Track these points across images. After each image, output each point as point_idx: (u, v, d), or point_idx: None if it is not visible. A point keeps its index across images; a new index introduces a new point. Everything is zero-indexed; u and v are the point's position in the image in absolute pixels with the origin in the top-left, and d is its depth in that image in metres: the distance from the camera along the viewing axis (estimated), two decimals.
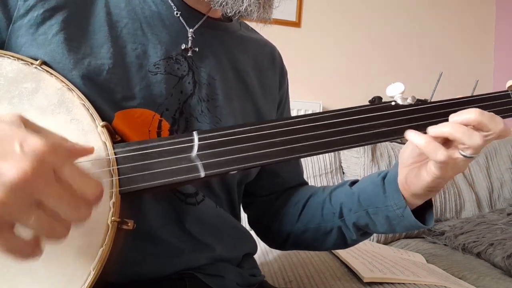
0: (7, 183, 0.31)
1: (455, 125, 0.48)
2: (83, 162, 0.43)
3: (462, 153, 0.48)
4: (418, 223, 0.56)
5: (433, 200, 0.59)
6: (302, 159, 0.84)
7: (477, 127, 0.48)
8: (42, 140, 0.33)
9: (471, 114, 0.48)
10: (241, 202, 0.73)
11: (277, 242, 0.76)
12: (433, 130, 0.49)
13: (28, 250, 0.33)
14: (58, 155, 0.34)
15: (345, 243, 0.68)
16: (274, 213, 0.74)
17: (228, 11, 0.57)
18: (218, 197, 0.62)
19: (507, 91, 0.55)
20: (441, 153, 0.47)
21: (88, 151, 0.38)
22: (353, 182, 0.66)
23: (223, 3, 0.56)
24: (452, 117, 0.49)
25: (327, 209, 0.66)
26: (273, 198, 0.75)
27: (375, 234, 1.48)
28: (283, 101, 0.76)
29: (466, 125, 0.48)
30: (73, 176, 0.35)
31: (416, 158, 0.54)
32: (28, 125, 0.35)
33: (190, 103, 0.58)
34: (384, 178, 0.60)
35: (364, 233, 0.65)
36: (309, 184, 0.82)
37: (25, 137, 0.33)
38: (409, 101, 0.52)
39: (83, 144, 0.38)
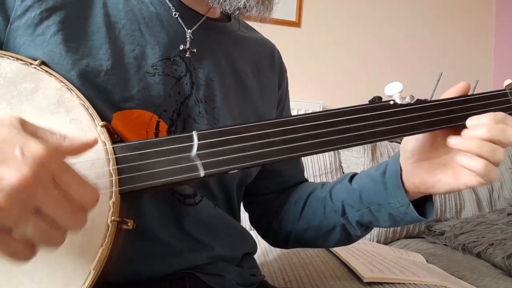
0: (7, 188, 0.31)
1: (480, 141, 0.47)
2: (83, 162, 0.43)
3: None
4: (421, 218, 0.56)
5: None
6: (302, 159, 0.84)
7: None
8: (42, 145, 0.33)
9: (482, 131, 0.47)
10: (241, 202, 0.73)
11: (279, 240, 0.76)
12: (457, 143, 0.48)
13: (24, 253, 0.33)
14: (58, 160, 0.34)
15: (349, 240, 0.68)
16: (274, 212, 0.74)
17: (227, 8, 0.57)
18: (216, 198, 0.62)
19: (505, 90, 0.55)
20: (495, 173, 0.47)
21: (89, 145, 0.38)
22: (352, 177, 0.66)
23: (221, 0, 0.56)
24: (465, 132, 0.49)
25: (329, 207, 0.66)
26: (273, 197, 0.75)
27: (375, 234, 1.49)
28: (283, 100, 0.76)
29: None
30: (71, 183, 0.35)
31: (421, 154, 0.54)
32: (27, 127, 0.35)
33: (188, 104, 0.58)
34: (384, 173, 0.59)
35: (367, 228, 0.65)
36: None
37: (25, 142, 0.33)
38: (408, 100, 0.52)
39: (84, 138, 0.38)
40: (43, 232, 0.33)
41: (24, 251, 0.33)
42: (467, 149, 0.47)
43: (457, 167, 0.51)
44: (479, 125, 0.49)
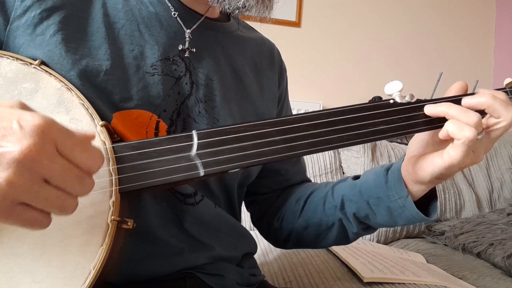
0: (12, 161, 0.31)
1: (451, 104, 0.50)
2: None
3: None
4: (420, 214, 0.55)
5: (437, 191, 0.58)
6: (303, 158, 0.84)
7: (488, 111, 0.50)
8: (39, 116, 0.33)
9: (483, 97, 0.50)
10: (242, 203, 0.73)
11: (280, 240, 0.76)
12: (429, 108, 0.51)
13: (41, 221, 0.34)
14: (58, 127, 0.34)
15: (346, 238, 0.67)
16: (275, 210, 0.74)
17: (226, 7, 0.57)
18: (216, 197, 0.62)
19: (505, 88, 0.55)
20: (468, 130, 0.47)
21: (88, 137, 0.38)
22: (357, 177, 0.66)
23: None
24: (465, 99, 0.51)
25: (329, 203, 0.66)
26: (274, 196, 0.75)
27: (375, 234, 1.48)
28: (283, 98, 0.76)
29: (477, 107, 0.50)
30: (74, 149, 0.35)
31: (424, 148, 0.55)
32: (26, 107, 0.36)
33: (188, 104, 0.58)
34: (388, 169, 0.59)
35: (366, 227, 0.64)
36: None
37: (21, 115, 0.33)
38: (408, 99, 0.52)
39: (83, 131, 0.38)
40: (55, 199, 0.34)
41: (40, 219, 0.34)
42: (438, 111, 0.50)
43: (444, 149, 0.51)
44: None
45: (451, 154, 0.49)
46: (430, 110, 0.51)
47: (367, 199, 0.60)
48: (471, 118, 0.48)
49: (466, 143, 0.47)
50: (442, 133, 0.50)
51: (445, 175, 0.52)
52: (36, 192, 0.32)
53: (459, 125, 0.48)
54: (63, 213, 0.35)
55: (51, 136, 0.33)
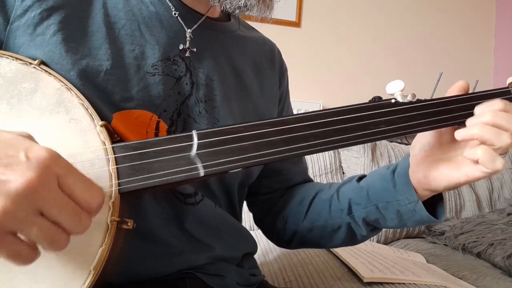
0: (13, 191, 0.31)
1: (483, 126, 0.47)
2: (83, 161, 0.43)
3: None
4: (430, 217, 0.55)
5: (443, 192, 0.57)
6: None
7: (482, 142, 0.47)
8: (46, 149, 0.33)
9: (486, 116, 0.48)
10: (242, 203, 0.73)
11: (283, 240, 0.75)
12: (461, 133, 0.48)
13: (28, 255, 0.34)
14: (62, 162, 0.34)
15: (354, 240, 0.66)
16: (278, 211, 0.74)
17: (228, 6, 0.56)
18: (217, 198, 0.62)
19: (507, 87, 0.55)
20: (499, 162, 0.46)
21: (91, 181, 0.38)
22: (361, 177, 0.65)
23: None
24: (472, 119, 0.49)
25: (335, 206, 0.65)
26: (276, 196, 0.75)
27: None
28: (283, 98, 0.76)
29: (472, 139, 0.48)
30: (76, 185, 0.35)
31: (431, 150, 0.54)
32: (34, 140, 0.36)
33: (188, 104, 0.58)
34: (394, 171, 0.58)
35: (374, 228, 0.64)
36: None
37: (29, 146, 0.33)
38: (409, 98, 0.51)
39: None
40: (47, 235, 0.33)
41: (27, 253, 0.33)
42: (470, 135, 0.47)
43: (461, 160, 0.50)
44: (483, 112, 0.48)
45: (469, 175, 0.48)
46: (462, 135, 0.48)
47: (376, 203, 0.59)
48: (504, 141, 0.46)
49: (493, 173, 0.47)
50: (472, 155, 0.47)
51: (459, 186, 0.51)
52: (30, 223, 0.32)
53: (492, 156, 0.46)
54: (52, 247, 0.34)
55: (55, 171, 0.33)
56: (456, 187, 0.51)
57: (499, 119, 0.47)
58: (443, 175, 0.51)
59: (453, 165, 0.51)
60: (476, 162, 0.47)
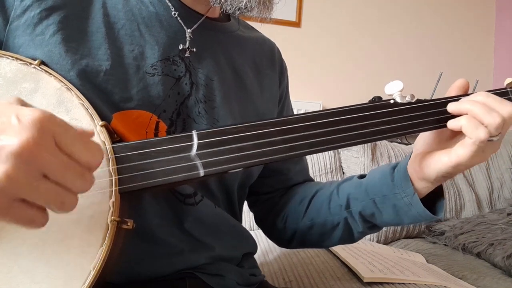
0: (11, 155, 0.30)
1: (474, 102, 0.48)
2: None
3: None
4: (426, 212, 0.55)
5: (444, 190, 0.58)
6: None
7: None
8: (37, 110, 0.32)
9: (479, 96, 0.49)
10: (243, 203, 0.73)
11: (284, 239, 0.75)
12: (452, 107, 0.50)
13: (39, 219, 0.33)
14: (56, 122, 0.33)
15: (351, 237, 0.66)
16: (279, 210, 0.74)
17: (228, 8, 0.56)
18: (216, 198, 0.62)
19: (505, 88, 0.55)
20: (482, 131, 0.46)
21: (88, 133, 0.37)
22: (363, 176, 0.65)
23: (222, 0, 0.56)
24: (465, 98, 0.51)
25: (334, 202, 0.65)
26: (277, 196, 0.75)
27: (375, 234, 1.48)
28: (283, 98, 0.76)
29: (462, 113, 0.49)
30: (74, 143, 0.34)
31: (430, 145, 0.55)
32: (25, 105, 0.35)
33: (187, 104, 0.58)
34: (394, 168, 0.59)
35: (371, 226, 0.63)
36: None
37: (20, 109, 0.32)
38: (408, 99, 0.52)
39: (82, 127, 0.37)
40: (55, 197, 0.33)
41: (38, 217, 0.33)
42: (461, 109, 0.49)
43: (452, 147, 0.50)
44: (477, 93, 0.51)
45: (459, 153, 0.49)
46: (453, 108, 0.51)
47: (373, 197, 0.59)
48: (494, 119, 0.47)
49: (477, 143, 0.47)
50: (454, 125, 0.49)
51: (451, 173, 0.51)
52: (35, 187, 0.32)
53: (474, 124, 0.47)
54: (62, 209, 0.34)
55: (50, 130, 0.32)
56: (448, 172, 0.51)
57: (492, 100, 0.49)
58: (433, 159, 0.52)
59: (445, 151, 0.51)
60: (460, 131, 0.49)
